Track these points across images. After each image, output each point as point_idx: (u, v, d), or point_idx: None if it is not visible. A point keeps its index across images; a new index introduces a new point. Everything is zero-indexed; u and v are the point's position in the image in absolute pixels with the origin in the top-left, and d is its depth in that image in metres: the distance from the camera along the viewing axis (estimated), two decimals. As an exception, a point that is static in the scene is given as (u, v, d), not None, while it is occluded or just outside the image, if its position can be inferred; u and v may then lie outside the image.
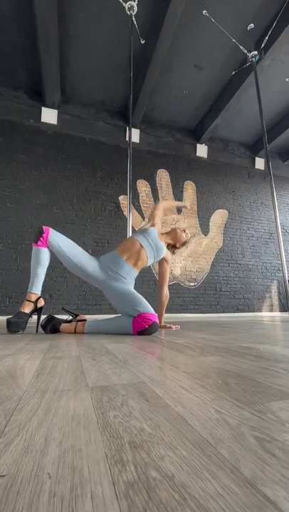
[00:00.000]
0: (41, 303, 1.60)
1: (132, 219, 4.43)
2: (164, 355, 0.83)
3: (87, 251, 1.79)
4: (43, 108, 4.23)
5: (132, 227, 4.35)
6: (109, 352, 0.88)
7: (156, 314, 1.57)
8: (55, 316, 1.58)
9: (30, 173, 4.03)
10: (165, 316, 3.48)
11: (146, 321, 1.45)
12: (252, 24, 3.31)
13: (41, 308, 1.61)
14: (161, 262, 1.98)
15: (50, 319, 1.54)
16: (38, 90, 4.18)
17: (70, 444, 0.29)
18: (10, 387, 0.50)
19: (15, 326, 1.48)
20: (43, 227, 1.63)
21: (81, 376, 0.57)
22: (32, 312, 1.56)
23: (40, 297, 1.60)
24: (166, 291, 2.00)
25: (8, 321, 1.49)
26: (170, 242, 1.97)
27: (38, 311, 1.60)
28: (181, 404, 0.40)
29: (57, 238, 1.63)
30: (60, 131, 4.34)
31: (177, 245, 2.00)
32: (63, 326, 1.52)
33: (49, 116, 4.26)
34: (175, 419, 0.35)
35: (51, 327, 1.51)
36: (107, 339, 1.23)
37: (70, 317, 1.66)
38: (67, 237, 1.73)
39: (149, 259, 1.77)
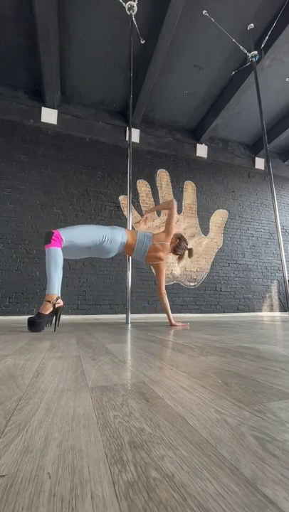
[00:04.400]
0: (60, 303, 1.66)
1: (132, 219, 4.43)
2: (164, 355, 0.83)
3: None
4: (43, 108, 4.23)
5: (132, 227, 4.36)
6: (109, 352, 0.88)
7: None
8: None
9: (30, 173, 4.03)
10: (164, 315, 3.48)
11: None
12: (252, 24, 3.31)
13: (60, 308, 1.67)
14: (155, 269, 2.20)
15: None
16: (38, 90, 4.18)
17: (70, 444, 0.29)
18: (10, 387, 0.50)
19: (37, 326, 1.56)
20: (52, 230, 1.76)
21: (81, 376, 0.57)
22: (51, 313, 1.62)
23: (58, 297, 1.65)
24: (164, 297, 2.19)
25: (30, 321, 1.57)
26: (167, 252, 2.19)
27: (56, 311, 1.66)
28: (181, 404, 0.40)
29: (66, 235, 1.75)
30: (60, 131, 4.34)
31: (176, 254, 2.23)
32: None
33: (49, 116, 4.26)
34: (175, 419, 0.35)
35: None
36: (107, 339, 1.23)
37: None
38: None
39: (136, 242, 2.08)
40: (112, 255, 2.03)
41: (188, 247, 2.25)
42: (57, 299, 1.63)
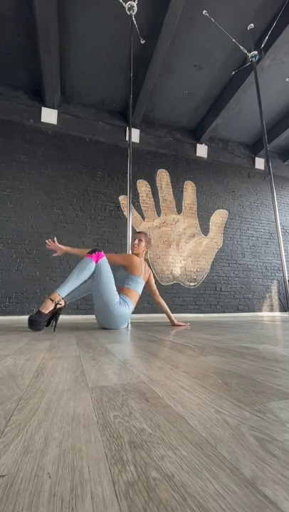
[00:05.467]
0: (62, 304, 1.69)
1: (132, 219, 4.43)
2: (164, 355, 0.83)
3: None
4: (43, 108, 4.23)
5: (132, 227, 4.36)
6: (109, 352, 0.88)
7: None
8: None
9: (30, 173, 4.03)
10: (164, 315, 3.48)
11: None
12: (252, 24, 3.31)
13: (60, 308, 1.71)
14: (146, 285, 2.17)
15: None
16: (38, 90, 4.18)
17: (70, 444, 0.29)
18: (10, 387, 0.50)
19: (37, 325, 1.58)
20: (102, 251, 1.81)
21: (81, 376, 0.57)
22: (51, 312, 1.64)
23: (62, 299, 1.67)
24: (159, 298, 2.21)
25: (30, 320, 1.58)
26: (142, 255, 2.12)
27: (56, 311, 1.69)
28: (181, 404, 0.40)
29: (106, 265, 1.78)
30: (60, 131, 4.34)
31: (136, 241, 2.11)
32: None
33: (49, 116, 4.26)
34: (175, 419, 0.35)
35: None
36: (107, 339, 1.23)
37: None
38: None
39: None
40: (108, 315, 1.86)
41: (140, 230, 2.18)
42: (59, 300, 1.65)
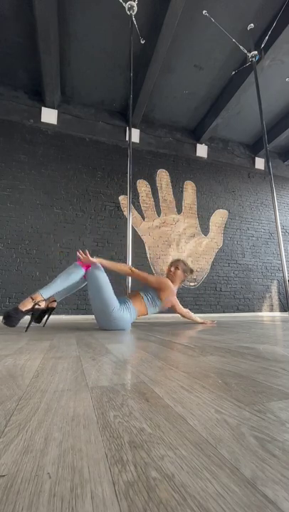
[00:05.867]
0: (41, 306, 1.67)
1: (132, 219, 4.43)
2: (164, 355, 0.83)
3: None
4: (43, 108, 4.23)
5: (132, 227, 4.36)
6: (109, 352, 0.88)
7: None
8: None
9: (30, 173, 4.03)
10: (164, 315, 3.48)
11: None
12: (252, 24, 3.31)
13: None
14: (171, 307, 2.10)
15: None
16: (38, 90, 4.18)
17: (70, 444, 0.29)
18: (10, 387, 0.50)
19: (11, 321, 1.58)
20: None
21: (81, 376, 0.57)
22: (28, 311, 1.62)
23: (43, 300, 1.66)
24: (183, 312, 2.19)
25: (6, 315, 1.58)
26: (179, 283, 2.06)
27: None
28: (181, 404, 0.40)
29: (99, 272, 1.75)
30: (60, 131, 4.34)
31: (172, 269, 2.06)
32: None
33: (49, 116, 4.26)
34: (175, 419, 0.35)
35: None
36: (107, 339, 1.23)
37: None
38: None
39: (149, 308, 1.94)
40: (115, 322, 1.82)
41: (189, 267, 2.10)
42: (39, 301, 1.64)
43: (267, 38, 3.32)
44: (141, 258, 4.36)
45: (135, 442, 0.29)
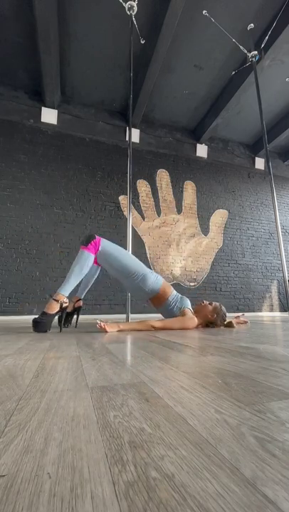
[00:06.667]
0: (67, 303, 1.66)
1: (132, 219, 4.43)
2: (164, 355, 0.83)
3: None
4: (43, 108, 4.23)
5: (132, 227, 4.36)
6: (109, 352, 0.88)
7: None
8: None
9: (30, 173, 4.03)
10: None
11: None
12: (252, 24, 3.31)
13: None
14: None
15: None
16: (38, 90, 4.18)
17: (70, 444, 0.29)
18: (10, 387, 0.50)
19: (42, 326, 1.54)
20: (95, 235, 1.71)
21: (81, 376, 0.57)
22: (57, 313, 1.60)
23: (67, 298, 1.65)
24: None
25: (35, 321, 1.55)
26: (203, 321, 1.90)
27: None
28: (181, 404, 0.40)
29: (107, 247, 1.72)
30: (60, 131, 4.34)
31: (209, 316, 1.89)
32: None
33: (49, 116, 4.26)
34: (175, 419, 0.35)
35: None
36: (107, 339, 1.23)
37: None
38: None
39: (169, 296, 1.88)
40: (141, 294, 1.84)
41: (222, 315, 1.92)
42: (64, 300, 1.62)
43: (267, 38, 3.32)
44: (141, 258, 4.35)
45: (135, 442, 0.29)
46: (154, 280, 1.81)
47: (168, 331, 1.68)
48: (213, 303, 1.93)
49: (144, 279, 1.77)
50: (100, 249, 1.69)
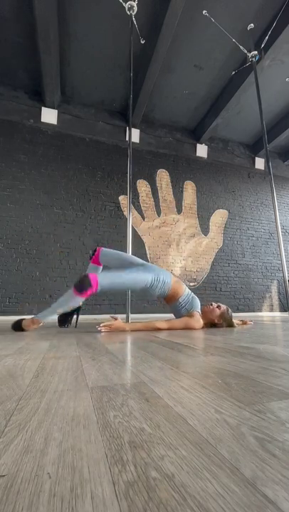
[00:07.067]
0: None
1: (132, 219, 4.43)
2: (164, 355, 0.83)
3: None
4: (43, 108, 4.23)
5: (132, 227, 4.36)
6: (109, 352, 0.88)
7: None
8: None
9: (30, 173, 4.03)
10: (165, 315, 3.47)
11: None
12: (252, 24, 3.31)
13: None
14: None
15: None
16: (38, 90, 4.18)
17: (70, 444, 0.29)
18: (10, 387, 0.50)
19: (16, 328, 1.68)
20: (90, 275, 1.55)
21: (81, 376, 0.57)
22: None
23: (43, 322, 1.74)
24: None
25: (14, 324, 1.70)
26: (208, 322, 1.89)
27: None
28: (181, 404, 0.40)
29: (107, 284, 1.61)
30: (60, 131, 4.34)
31: (215, 321, 1.88)
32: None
33: (49, 116, 4.26)
34: (175, 419, 0.35)
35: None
36: (107, 339, 1.24)
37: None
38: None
39: (180, 297, 1.86)
40: (149, 296, 1.83)
41: (229, 318, 1.90)
42: (39, 324, 1.71)
43: (267, 38, 3.32)
44: (141, 258, 4.34)
45: (135, 442, 0.29)
46: (161, 286, 1.77)
47: (169, 331, 1.69)
48: (222, 307, 1.90)
49: (151, 289, 1.78)
50: (98, 288, 1.56)
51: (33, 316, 1.72)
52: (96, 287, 1.55)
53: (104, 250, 1.88)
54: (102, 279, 1.58)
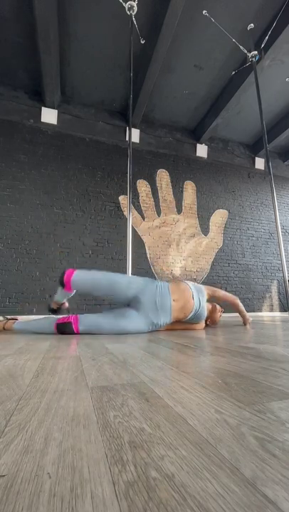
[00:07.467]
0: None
1: (132, 219, 4.43)
2: (164, 355, 0.83)
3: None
4: (43, 108, 4.23)
5: (132, 227, 4.36)
6: (109, 352, 0.88)
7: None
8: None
9: (30, 173, 4.03)
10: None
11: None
12: (252, 24, 3.31)
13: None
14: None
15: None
16: (38, 90, 4.18)
17: (70, 444, 0.29)
18: (10, 387, 0.50)
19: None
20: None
21: (81, 376, 0.57)
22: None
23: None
24: (226, 297, 2.03)
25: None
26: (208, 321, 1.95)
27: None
28: (181, 404, 0.40)
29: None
30: (60, 131, 4.34)
31: (208, 322, 1.96)
32: None
33: (49, 116, 4.26)
34: (175, 419, 0.35)
35: None
36: (107, 339, 1.23)
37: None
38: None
39: (190, 313, 1.69)
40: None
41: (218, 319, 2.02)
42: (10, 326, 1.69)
43: (267, 38, 3.32)
44: (141, 258, 4.36)
45: (135, 442, 0.29)
46: (162, 325, 1.62)
47: (169, 331, 1.69)
48: (218, 307, 2.01)
49: (150, 329, 1.60)
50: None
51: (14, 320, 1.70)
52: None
53: (78, 276, 1.57)
54: (83, 327, 1.48)
